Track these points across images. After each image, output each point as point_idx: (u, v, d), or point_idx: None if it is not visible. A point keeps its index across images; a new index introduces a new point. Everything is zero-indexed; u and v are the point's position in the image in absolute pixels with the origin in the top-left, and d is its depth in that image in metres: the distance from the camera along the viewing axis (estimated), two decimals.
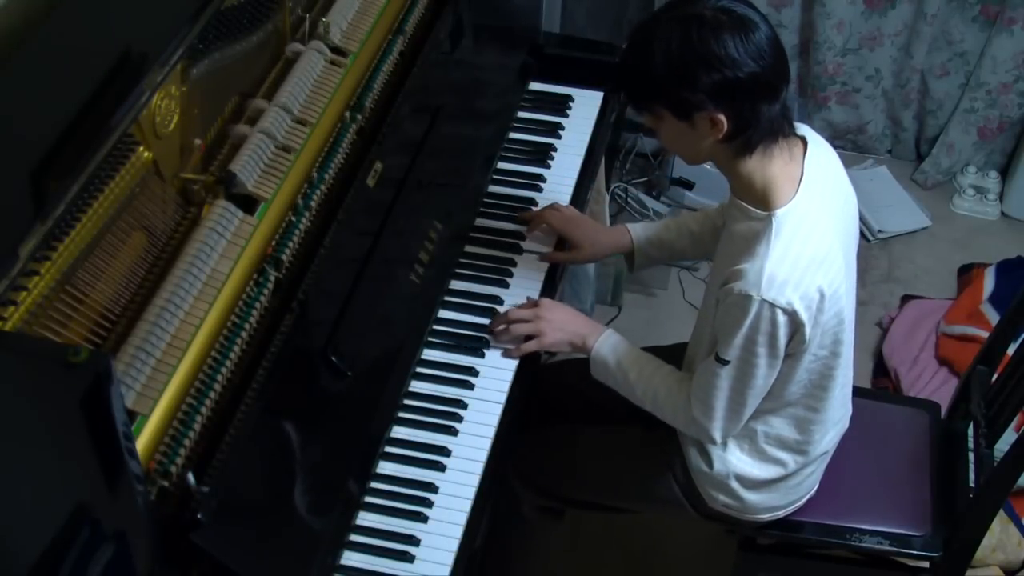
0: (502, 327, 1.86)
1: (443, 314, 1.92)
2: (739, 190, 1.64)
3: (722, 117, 1.53)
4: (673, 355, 1.94)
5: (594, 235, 2.01)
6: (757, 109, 1.54)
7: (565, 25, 2.62)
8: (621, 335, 1.87)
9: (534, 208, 2.08)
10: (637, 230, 2.01)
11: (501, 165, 2.17)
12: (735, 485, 1.83)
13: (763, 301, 1.56)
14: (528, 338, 1.85)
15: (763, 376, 1.65)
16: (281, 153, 1.66)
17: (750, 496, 1.85)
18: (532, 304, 1.89)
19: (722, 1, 1.51)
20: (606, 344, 1.84)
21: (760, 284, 1.56)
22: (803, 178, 1.61)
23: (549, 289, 1.98)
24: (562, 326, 1.85)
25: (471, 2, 2.21)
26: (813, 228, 1.60)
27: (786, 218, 1.59)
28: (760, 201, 1.61)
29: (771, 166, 1.60)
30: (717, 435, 1.75)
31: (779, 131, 1.59)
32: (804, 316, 1.57)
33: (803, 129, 1.68)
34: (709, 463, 1.83)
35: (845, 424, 1.89)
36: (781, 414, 1.77)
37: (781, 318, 1.57)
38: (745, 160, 1.59)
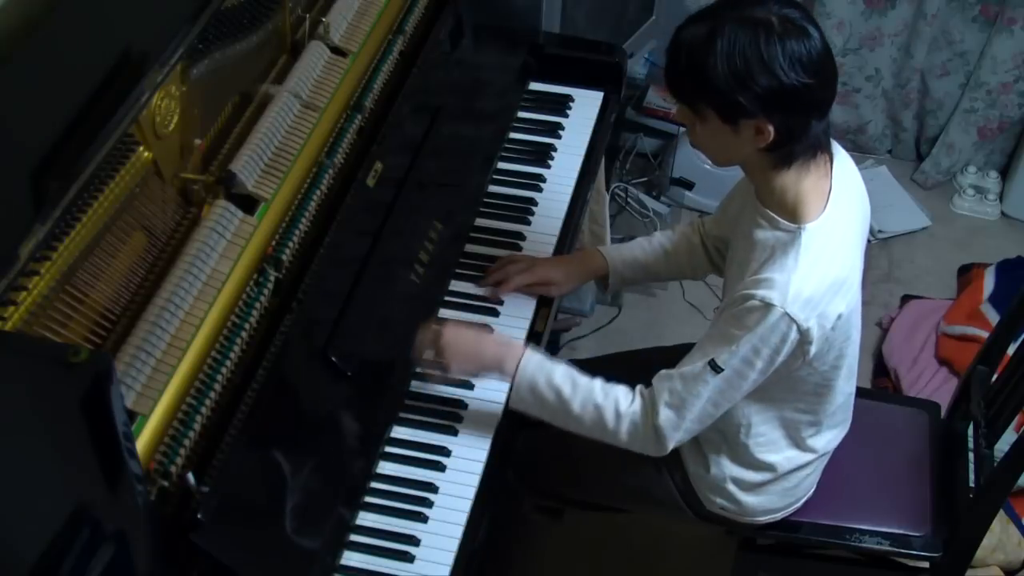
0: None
1: (443, 314, 1.92)
2: (768, 199, 1.60)
3: (770, 127, 1.49)
4: (673, 355, 1.93)
5: (566, 268, 1.96)
6: (806, 123, 1.51)
7: (565, 25, 2.61)
8: (537, 351, 1.75)
9: (494, 271, 1.96)
10: (611, 253, 1.97)
11: (501, 165, 2.17)
12: (732, 488, 1.83)
13: (785, 314, 1.53)
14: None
15: (746, 391, 1.63)
16: (281, 153, 1.66)
17: (747, 498, 1.85)
18: (436, 329, 1.75)
19: (784, 9, 1.47)
20: (530, 363, 1.71)
21: (787, 296, 1.53)
22: (831, 192, 1.59)
23: None
24: (467, 356, 1.73)
25: (471, 2, 2.21)
26: (839, 247, 1.58)
27: (815, 233, 1.56)
28: (789, 213, 1.58)
29: (805, 180, 1.57)
30: (671, 444, 1.68)
31: (819, 147, 1.56)
32: (815, 335, 1.56)
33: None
34: (706, 467, 1.82)
35: (845, 428, 1.88)
36: (773, 419, 1.77)
37: (793, 335, 1.55)
38: (781, 172, 1.56)
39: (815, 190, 1.58)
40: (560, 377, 1.71)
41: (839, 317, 1.58)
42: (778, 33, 1.44)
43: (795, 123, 1.50)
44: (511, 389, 1.73)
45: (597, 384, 1.71)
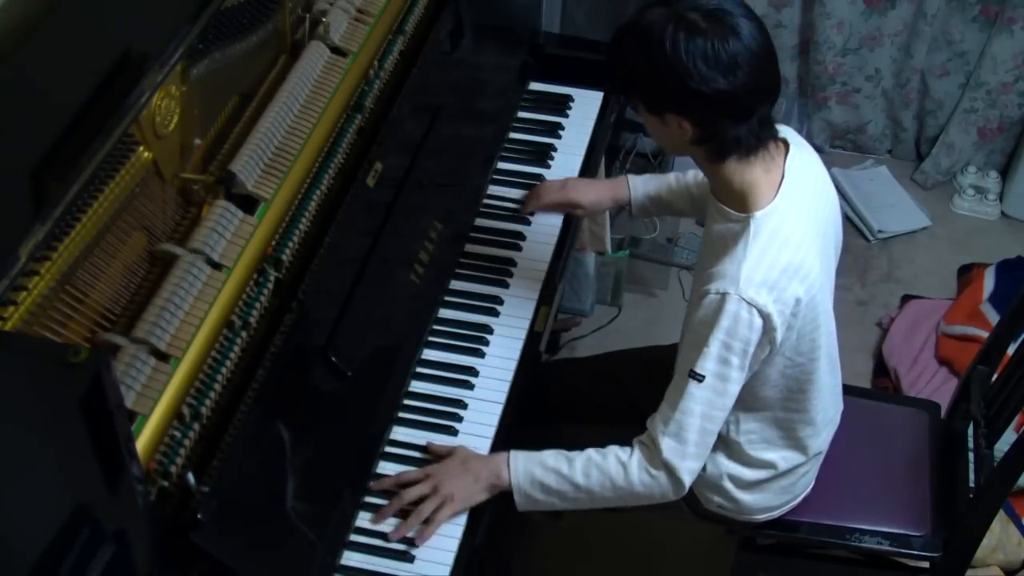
0: (408, 516, 1.64)
1: (443, 314, 1.92)
2: (718, 190, 1.63)
3: (688, 124, 1.51)
4: (673, 355, 1.93)
5: (594, 193, 2.03)
6: (721, 125, 1.51)
7: (565, 25, 2.62)
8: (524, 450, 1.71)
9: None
10: (636, 184, 2.01)
11: (501, 165, 2.17)
12: (728, 486, 1.83)
13: (741, 299, 1.54)
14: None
15: (732, 395, 1.62)
16: (281, 153, 1.66)
17: (744, 497, 1.85)
18: (420, 474, 1.68)
19: (722, 3, 1.47)
20: (519, 460, 1.68)
21: (739, 282, 1.54)
22: (783, 181, 1.60)
23: (549, 290, 1.98)
24: (466, 480, 1.66)
25: (471, 2, 2.21)
26: (791, 234, 1.58)
27: (765, 221, 1.57)
28: (738, 203, 1.60)
29: (750, 171, 1.57)
30: (685, 477, 1.65)
31: (750, 146, 1.55)
32: (777, 321, 1.56)
33: (785, 131, 1.66)
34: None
35: (836, 422, 1.89)
36: (762, 417, 1.77)
37: (757, 321, 1.55)
38: (720, 164, 1.57)
39: (764, 180, 1.58)
40: (552, 459, 1.68)
41: (798, 302, 1.58)
42: (689, 31, 1.43)
43: (708, 124, 1.50)
44: (513, 493, 1.68)
45: (590, 450, 1.69)
